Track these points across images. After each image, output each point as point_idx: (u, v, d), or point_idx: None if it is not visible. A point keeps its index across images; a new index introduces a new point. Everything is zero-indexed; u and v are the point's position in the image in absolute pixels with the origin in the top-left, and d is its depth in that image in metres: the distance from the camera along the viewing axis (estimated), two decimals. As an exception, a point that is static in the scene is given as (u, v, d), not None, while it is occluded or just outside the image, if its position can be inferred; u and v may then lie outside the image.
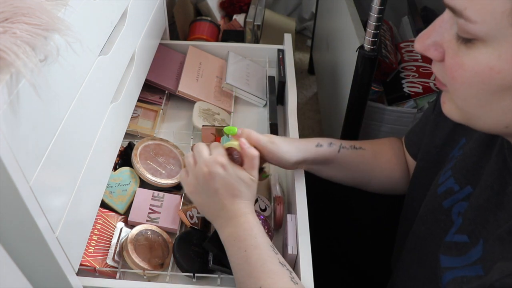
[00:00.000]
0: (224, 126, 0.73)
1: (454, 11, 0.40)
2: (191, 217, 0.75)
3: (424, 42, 0.45)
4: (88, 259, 0.67)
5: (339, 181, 0.78)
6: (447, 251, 0.52)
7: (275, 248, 0.59)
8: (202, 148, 0.66)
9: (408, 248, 0.65)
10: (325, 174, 0.76)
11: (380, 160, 0.76)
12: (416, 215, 0.65)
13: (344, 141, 0.74)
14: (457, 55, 0.41)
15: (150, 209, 0.77)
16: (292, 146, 0.70)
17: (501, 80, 0.39)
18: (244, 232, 0.60)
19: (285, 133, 0.93)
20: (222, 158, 0.63)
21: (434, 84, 1.06)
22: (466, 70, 0.41)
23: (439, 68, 0.45)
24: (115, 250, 0.71)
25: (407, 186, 0.75)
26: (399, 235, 0.75)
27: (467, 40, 0.40)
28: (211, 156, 0.64)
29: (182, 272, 0.69)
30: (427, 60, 1.14)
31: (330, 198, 0.88)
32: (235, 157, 0.67)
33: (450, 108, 0.48)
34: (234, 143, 0.67)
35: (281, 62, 1.07)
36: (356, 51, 0.94)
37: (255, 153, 0.65)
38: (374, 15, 0.86)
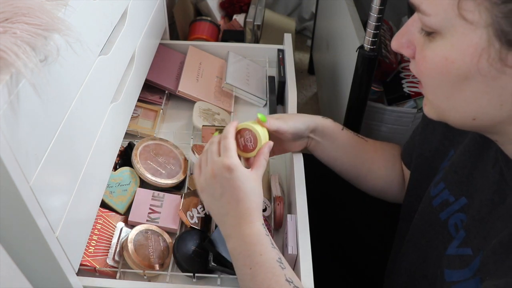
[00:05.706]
0: (223, 127, 0.73)
1: (414, 6, 0.43)
2: (191, 217, 0.75)
3: (399, 41, 0.48)
4: (88, 259, 0.67)
5: (341, 167, 0.78)
6: (451, 265, 0.52)
7: (283, 262, 0.56)
8: (213, 146, 0.63)
9: (407, 259, 0.65)
10: (329, 154, 0.77)
11: (380, 155, 0.77)
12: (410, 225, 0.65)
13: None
14: (422, 49, 0.44)
15: (150, 209, 0.77)
16: (299, 116, 0.74)
17: (456, 70, 0.41)
18: (249, 247, 0.56)
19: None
20: (229, 160, 0.60)
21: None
22: (428, 62, 0.43)
23: (414, 65, 0.47)
24: (115, 250, 0.71)
25: (400, 194, 0.75)
26: (396, 245, 0.75)
27: (428, 33, 0.43)
28: (219, 158, 0.61)
29: (182, 272, 0.69)
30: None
31: (330, 198, 0.88)
32: (247, 137, 0.65)
33: (427, 108, 0.50)
34: (250, 124, 0.65)
35: (281, 62, 1.07)
36: (356, 51, 0.94)
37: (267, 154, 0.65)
38: (374, 15, 0.86)
